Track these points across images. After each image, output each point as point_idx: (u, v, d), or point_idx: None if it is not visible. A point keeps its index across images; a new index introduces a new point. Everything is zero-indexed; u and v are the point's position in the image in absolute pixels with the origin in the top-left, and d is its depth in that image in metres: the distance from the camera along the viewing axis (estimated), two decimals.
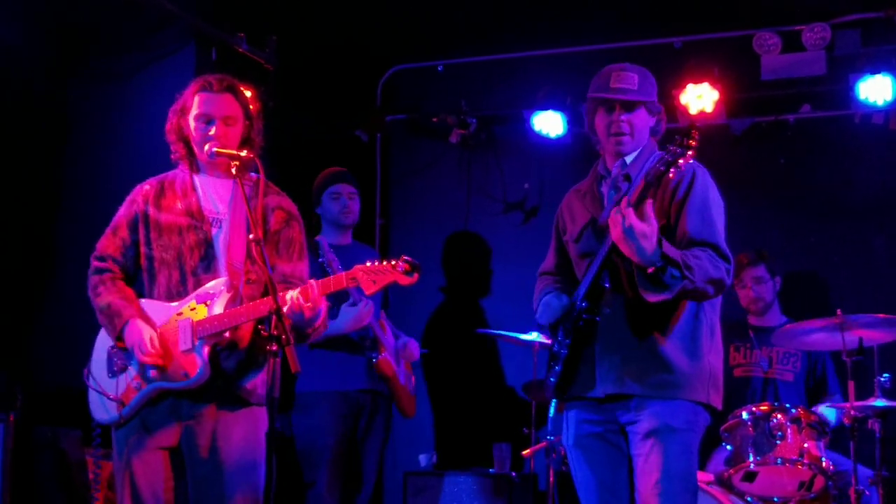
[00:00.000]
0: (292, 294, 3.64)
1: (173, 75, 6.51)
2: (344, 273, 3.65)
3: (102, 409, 3.95)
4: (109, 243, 4.04)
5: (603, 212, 3.93)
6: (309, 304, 3.63)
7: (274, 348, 3.44)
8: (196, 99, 3.95)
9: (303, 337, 3.82)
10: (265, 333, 3.50)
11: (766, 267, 6.10)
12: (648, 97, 3.97)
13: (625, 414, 3.84)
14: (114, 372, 3.94)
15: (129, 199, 4.09)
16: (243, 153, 3.81)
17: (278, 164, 4.20)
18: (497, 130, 7.62)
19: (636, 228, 3.52)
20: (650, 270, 3.59)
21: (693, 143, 3.59)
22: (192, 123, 3.94)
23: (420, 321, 7.48)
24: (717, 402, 3.90)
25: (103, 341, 4.02)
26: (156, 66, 6.53)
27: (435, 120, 7.51)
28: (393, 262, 3.56)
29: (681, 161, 3.59)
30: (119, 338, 3.88)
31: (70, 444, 5.78)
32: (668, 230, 3.77)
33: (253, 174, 3.99)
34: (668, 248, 3.60)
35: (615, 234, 3.58)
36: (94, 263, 4.05)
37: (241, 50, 6.60)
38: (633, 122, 3.94)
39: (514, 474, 6.34)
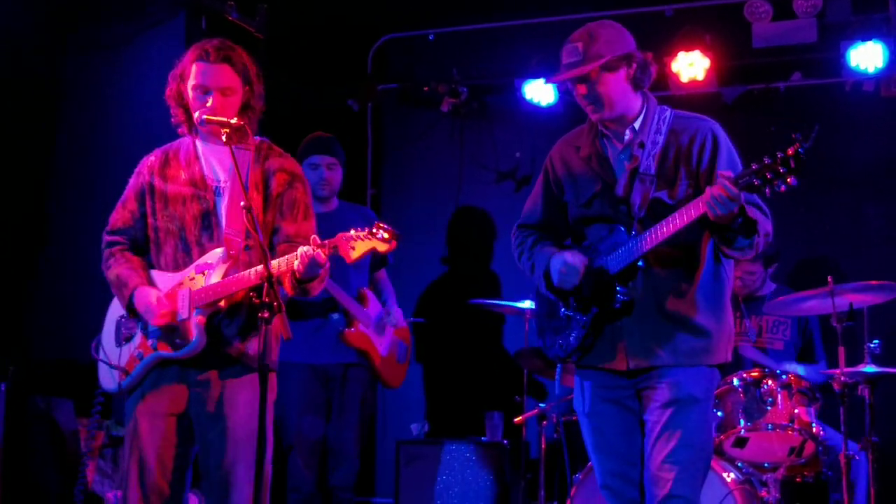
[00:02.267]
0: (303, 248, 3.63)
1: (163, 44, 6.49)
2: (326, 241, 3.64)
3: (109, 378, 4.00)
4: (119, 217, 4.07)
5: (619, 180, 3.82)
6: (319, 250, 3.60)
7: (265, 315, 3.45)
8: (193, 68, 3.92)
9: (304, 291, 3.81)
10: (256, 301, 3.50)
11: (762, 264, 6.09)
12: (598, 60, 3.74)
13: (645, 380, 3.78)
14: (120, 341, 3.99)
15: (136, 170, 4.11)
16: (233, 120, 3.79)
17: (269, 133, 4.17)
18: (489, 99, 7.61)
19: (737, 201, 3.43)
20: (734, 226, 3.54)
21: (799, 170, 3.37)
22: (190, 92, 3.92)
23: (412, 291, 7.50)
24: (731, 356, 3.89)
25: (114, 311, 4.07)
26: (146, 35, 6.51)
27: (426, 89, 7.50)
28: (372, 230, 3.55)
29: (778, 186, 3.40)
30: (130, 307, 3.92)
31: (63, 415, 5.80)
32: (698, 193, 3.62)
33: (256, 138, 4.00)
34: (750, 211, 3.55)
35: (719, 211, 3.43)
36: (105, 238, 4.09)
37: (231, 18, 6.57)
38: (594, 91, 3.77)
39: (506, 442, 6.37)
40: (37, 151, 6.64)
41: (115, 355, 3.97)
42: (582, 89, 3.79)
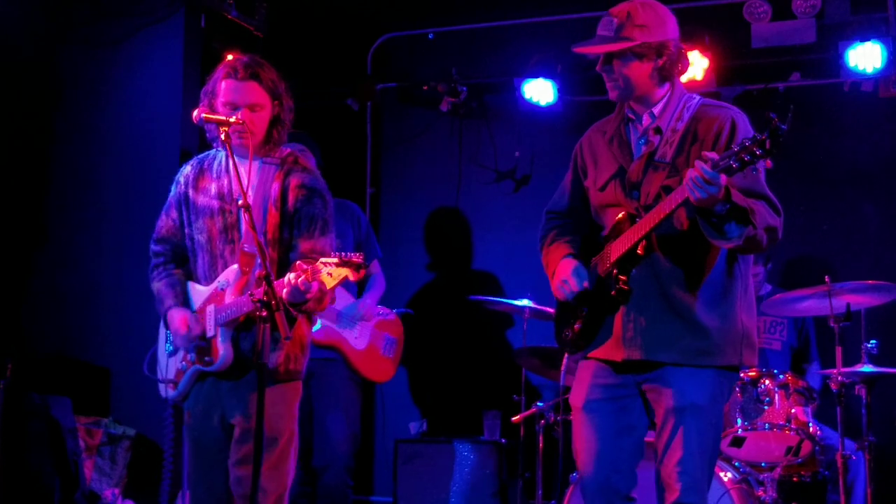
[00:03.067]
0: (290, 275, 3.66)
1: (162, 41, 6.50)
2: (310, 268, 3.63)
3: (164, 389, 4.13)
4: (164, 224, 4.15)
5: (632, 164, 3.72)
6: (304, 275, 3.62)
7: (264, 314, 3.47)
8: (223, 85, 3.96)
9: (307, 314, 3.91)
10: (255, 299, 3.52)
11: (764, 261, 6.09)
12: (627, 42, 3.62)
13: (647, 380, 3.68)
14: (171, 353, 4.10)
15: (175, 179, 4.17)
16: (232, 119, 3.81)
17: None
18: (488, 99, 7.61)
19: (720, 184, 3.29)
20: (719, 211, 3.39)
21: (774, 150, 3.23)
22: (220, 109, 3.96)
23: (411, 289, 7.51)
24: (749, 357, 3.69)
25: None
26: (145, 32, 6.52)
27: (425, 88, 7.50)
28: (345, 259, 3.54)
29: (759, 164, 3.32)
30: (166, 324, 4.05)
31: (61, 412, 5.80)
32: None
33: (285, 149, 4.06)
34: (737, 197, 3.40)
35: (698, 195, 3.31)
36: (152, 247, 4.18)
37: (230, 17, 6.58)
38: (618, 71, 3.67)
39: (503, 441, 6.37)
40: (35, 148, 6.65)
41: (165, 366, 4.10)
42: (606, 66, 3.69)
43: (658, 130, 3.72)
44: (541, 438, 5.78)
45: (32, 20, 6.47)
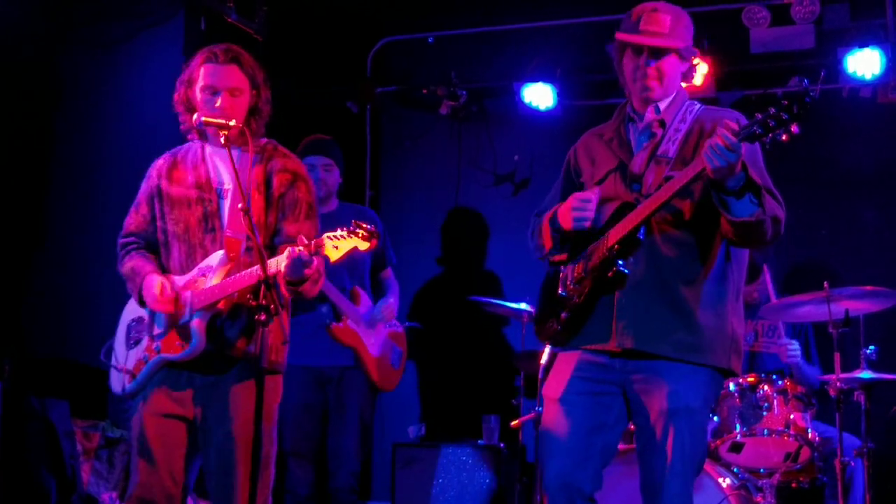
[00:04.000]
0: (289, 248, 3.61)
1: (162, 44, 6.50)
2: (312, 241, 3.63)
3: (118, 381, 4.04)
4: (132, 220, 4.11)
5: (634, 158, 3.73)
6: (306, 248, 3.59)
7: (262, 318, 3.46)
8: (202, 70, 3.95)
9: (297, 294, 3.81)
10: (253, 303, 3.51)
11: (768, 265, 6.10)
12: (680, 42, 3.71)
13: (638, 370, 3.62)
14: (130, 345, 4.02)
15: (146, 174, 4.13)
16: (232, 122, 3.80)
17: (268, 135, 4.18)
18: (487, 103, 7.62)
19: (737, 153, 3.28)
20: (732, 187, 3.39)
21: (802, 114, 3.21)
22: (198, 94, 3.94)
23: (410, 293, 7.50)
24: (737, 366, 3.68)
25: (126, 315, 4.11)
26: (145, 35, 6.52)
27: (425, 92, 7.51)
28: (352, 229, 3.54)
29: (779, 135, 3.26)
30: (141, 299, 3.93)
31: (58, 415, 5.79)
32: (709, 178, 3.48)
33: (262, 140, 4.04)
34: (751, 172, 3.42)
35: (717, 163, 3.30)
36: (119, 241, 4.14)
37: (230, 20, 6.58)
38: (662, 68, 3.71)
39: (502, 445, 6.37)
40: (34, 150, 6.64)
41: (124, 358, 4.00)
42: (652, 62, 3.71)
43: (662, 123, 3.74)
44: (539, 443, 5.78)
45: (32, 21, 6.47)
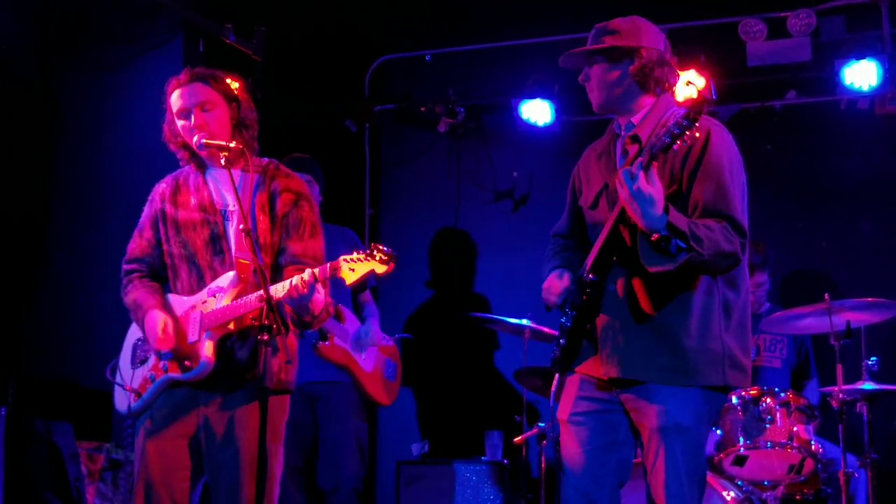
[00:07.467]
0: (292, 279, 3.63)
1: (162, 67, 6.50)
2: (328, 263, 3.63)
3: (123, 400, 4.03)
4: (136, 245, 4.11)
5: (614, 175, 3.64)
6: (306, 283, 3.60)
7: (265, 337, 3.46)
8: (171, 99, 3.98)
9: (304, 324, 3.82)
10: (256, 323, 3.51)
11: (770, 271, 6.11)
12: (599, 45, 3.67)
13: (631, 398, 3.61)
14: (135, 364, 4.02)
15: (149, 198, 4.14)
16: (232, 144, 3.82)
17: (267, 155, 4.19)
18: (485, 119, 7.65)
19: (643, 190, 3.29)
20: (654, 238, 3.35)
21: (698, 118, 3.29)
22: (178, 123, 3.95)
23: (410, 309, 7.51)
24: (736, 379, 3.60)
25: (132, 334, 4.11)
26: (144, 58, 6.53)
27: (423, 109, 7.53)
28: (371, 252, 3.54)
29: (687, 134, 3.28)
30: (142, 329, 3.95)
31: (63, 438, 5.79)
32: (679, 197, 3.50)
33: (264, 159, 4.04)
34: (675, 217, 3.35)
35: (623, 194, 3.34)
36: (124, 266, 4.13)
37: (228, 41, 6.60)
38: (590, 74, 3.72)
39: (506, 462, 6.37)
40: (35, 172, 6.65)
41: (130, 378, 4.00)
42: (585, 68, 3.74)
43: (635, 139, 3.67)
44: (543, 459, 5.78)
45: (32, 45, 6.49)
